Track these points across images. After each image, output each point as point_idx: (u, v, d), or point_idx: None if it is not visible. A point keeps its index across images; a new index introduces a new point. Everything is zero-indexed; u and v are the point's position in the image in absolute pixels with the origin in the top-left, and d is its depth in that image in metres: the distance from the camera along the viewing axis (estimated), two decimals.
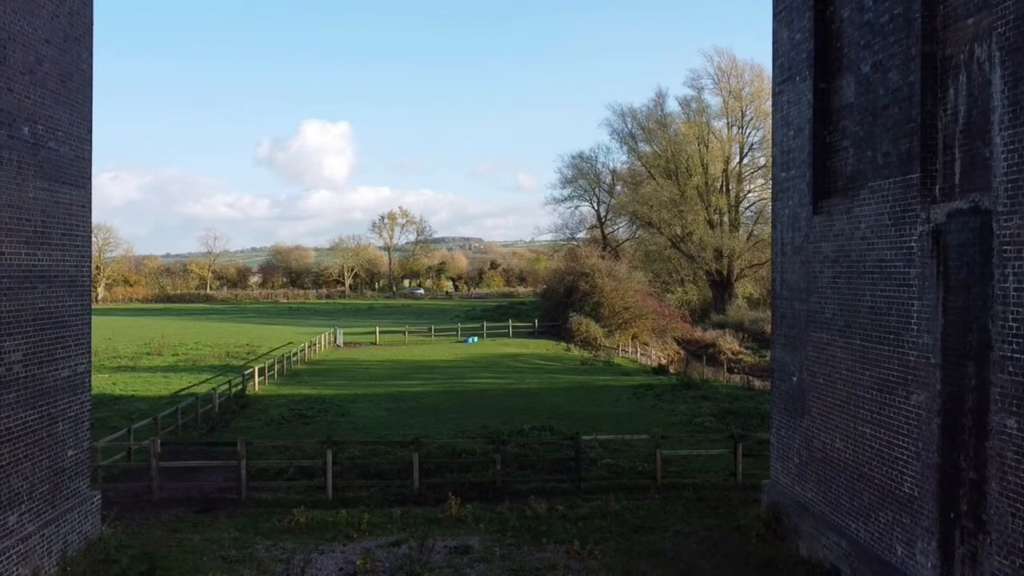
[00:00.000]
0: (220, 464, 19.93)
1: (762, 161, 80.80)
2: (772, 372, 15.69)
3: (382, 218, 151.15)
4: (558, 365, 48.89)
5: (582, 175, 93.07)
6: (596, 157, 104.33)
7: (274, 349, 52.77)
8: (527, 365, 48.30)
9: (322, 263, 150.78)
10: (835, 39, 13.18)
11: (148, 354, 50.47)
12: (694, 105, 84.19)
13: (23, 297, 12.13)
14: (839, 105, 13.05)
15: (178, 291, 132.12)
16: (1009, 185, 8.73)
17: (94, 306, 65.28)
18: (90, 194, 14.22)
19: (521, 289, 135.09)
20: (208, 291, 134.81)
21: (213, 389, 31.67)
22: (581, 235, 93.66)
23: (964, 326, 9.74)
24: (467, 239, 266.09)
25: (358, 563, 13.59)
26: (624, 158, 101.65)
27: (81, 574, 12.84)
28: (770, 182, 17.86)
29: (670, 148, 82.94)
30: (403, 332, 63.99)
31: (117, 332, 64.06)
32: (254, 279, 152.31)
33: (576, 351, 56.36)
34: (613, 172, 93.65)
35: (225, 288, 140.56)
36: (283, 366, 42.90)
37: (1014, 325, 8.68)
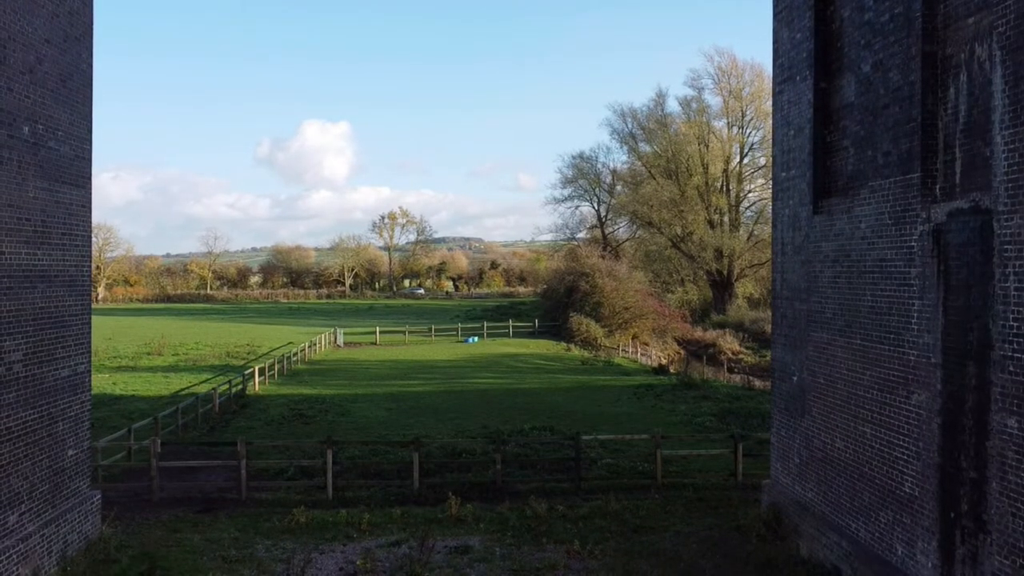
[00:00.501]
0: (220, 464, 19.93)
1: (762, 161, 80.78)
2: (772, 372, 15.68)
3: (382, 218, 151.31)
4: (558, 365, 48.88)
5: (582, 175, 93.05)
6: (596, 157, 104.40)
7: (274, 349, 52.77)
8: (527, 365, 48.29)
9: (322, 263, 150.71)
10: (835, 38, 13.17)
11: (148, 354, 50.47)
12: (694, 105, 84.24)
13: (23, 297, 12.13)
14: (839, 105, 13.04)
15: (178, 291, 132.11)
16: (1010, 184, 8.73)
17: (94, 306, 65.38)
18: (90, 194, 14.22)
19: (521, 289, 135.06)
20: (208, 291, 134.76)
21: (213, 389, 31.66)
22: (581, 235, 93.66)
23: (965, 326, 9.73)
24: (467, 239, 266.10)
25: (358, 563, 13.59)
26: (624, 158, 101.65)
27: (81, 574, 12.84)
28: (770, 182, 17.87)
29: (670, 148, 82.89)
30: (403, 332, 63.99)
31: (117, 332, 64.08)
32: (254, 279, 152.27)
33: (576, 351, 56.36)
34: (613, 172, 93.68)
35: (225, 288, 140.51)
36: (283, 366, 42.90)
37: (1015, 325, 8.67)
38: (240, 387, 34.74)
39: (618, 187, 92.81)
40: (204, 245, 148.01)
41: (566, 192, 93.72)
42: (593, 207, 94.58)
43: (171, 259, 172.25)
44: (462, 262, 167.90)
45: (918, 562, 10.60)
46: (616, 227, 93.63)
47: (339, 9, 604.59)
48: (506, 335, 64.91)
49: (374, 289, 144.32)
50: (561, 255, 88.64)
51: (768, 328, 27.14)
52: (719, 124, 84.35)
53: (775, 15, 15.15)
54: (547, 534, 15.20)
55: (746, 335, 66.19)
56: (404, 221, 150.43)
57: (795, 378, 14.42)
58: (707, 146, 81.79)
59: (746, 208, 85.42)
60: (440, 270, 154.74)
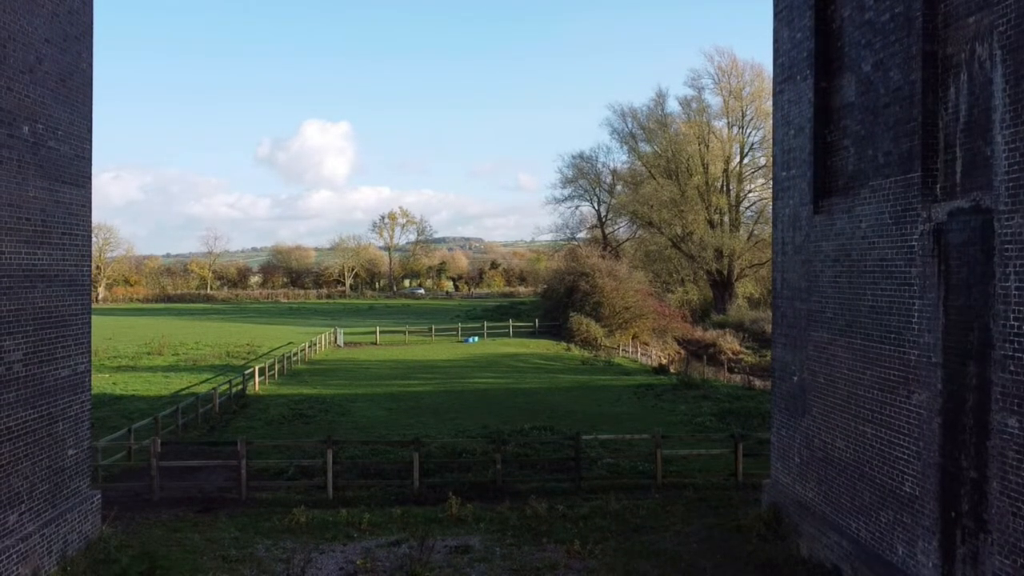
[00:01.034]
0: (220, 464, 19.92)
1: (763, 161, 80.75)
2: (773, 372, 15.67)
3: (382, 218, 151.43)
4: (558, 365, 48.88)
5: (582, 175, 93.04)
6: (596, 157, 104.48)
7: (274, 349, 52.76)
8: (527, 365, 48.29)
9: (323, 263, 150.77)
10: (836, 38, 13.16)
11: (148, 354, 50.47)
12: (694, 105, 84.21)
13: (23, 296, 12.13)
14: (840, 104, 13.03)
15: (178, 291, 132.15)
16: (1010, 184, 8.72)
17: (94, 306, 65.35)
18: (90, 193, 14.21)
19: (521, 289, 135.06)
20: (209, 291, 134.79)
21: (213, 389, 31.67)
22: (581, 235, 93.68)
23: (965, 325, 9.73)
24: (467, 239, 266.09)
25: (358, 562, 13.59)
26: (624, 158, 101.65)
27: (81, 573, 12.83)
28: (771, 182, 17.87)
29: (670, 148, 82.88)
30: (403, 332, 63.98)
31: (117, 332, 64.08)
32: (255, 279, 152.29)
33: (576, 351, 56.35)
34: (613, 172, 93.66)
35: (226, 288, 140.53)
36: (283, 366, 42.90)
37: (1015, 324, 8.66)
38: (240, 387, 34.74)
39: (618, 187, 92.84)
40: (204, 245, 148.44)
41: (566, 192, 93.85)
42: (593, 207, 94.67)
43: (171, 259, 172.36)
44: (462, 262, 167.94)
45: (919, 562, 10.60)
46: (616, 227, 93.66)
47: (339, 8, 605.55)
48: (506, 335, 64.90)
49: (374, 289, 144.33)
50: (561, 255, 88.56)
51: (768, 328, 27.17)
52: (719, 124, 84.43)
53: (775, 15, 15.15)
54: (547, 534, 15.19)
55: (746, 335, 66.21)
56: (404, 221, 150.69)
57: (795, 378, 14.42)
58: (707, 146, 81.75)
59: (746, 208, 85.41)
60: (440, 270, 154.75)
